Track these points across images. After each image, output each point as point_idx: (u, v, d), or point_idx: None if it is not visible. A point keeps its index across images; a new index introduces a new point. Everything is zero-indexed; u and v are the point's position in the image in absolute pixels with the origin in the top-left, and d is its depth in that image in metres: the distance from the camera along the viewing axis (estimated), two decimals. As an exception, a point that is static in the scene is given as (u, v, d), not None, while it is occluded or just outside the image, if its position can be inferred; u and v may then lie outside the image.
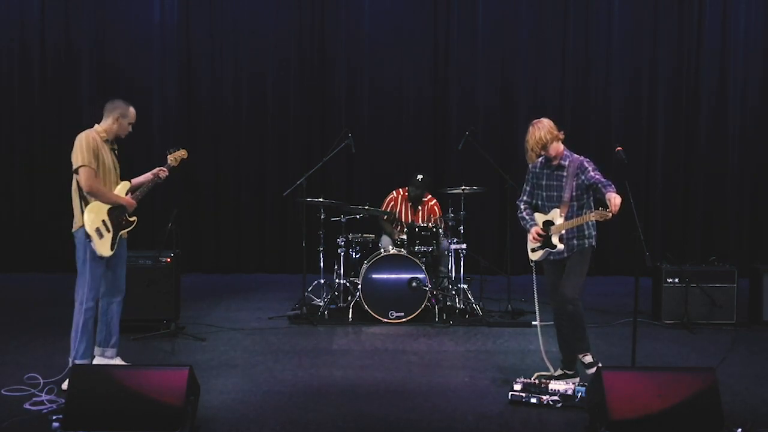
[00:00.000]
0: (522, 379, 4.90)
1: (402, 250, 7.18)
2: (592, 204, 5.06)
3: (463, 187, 7.47)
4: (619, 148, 5.00)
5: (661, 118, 9.87)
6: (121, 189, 5.23)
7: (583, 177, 4.99)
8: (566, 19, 9.81)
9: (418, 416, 4.64)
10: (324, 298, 7.44)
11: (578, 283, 5.04)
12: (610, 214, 4.71)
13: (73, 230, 5.08)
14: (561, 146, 5.09)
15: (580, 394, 4.70)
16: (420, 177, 7.58)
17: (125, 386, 4.12)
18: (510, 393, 4.84)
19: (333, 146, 7.71)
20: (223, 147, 9.82)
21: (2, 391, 4.91)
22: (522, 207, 5.29)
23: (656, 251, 8.76)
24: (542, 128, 5.02)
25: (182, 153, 5.61)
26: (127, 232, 5.26)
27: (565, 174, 5.04)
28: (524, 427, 4.50)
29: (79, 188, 5.00)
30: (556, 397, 4.74)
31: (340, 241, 7.49)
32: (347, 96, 9.84)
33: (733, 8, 9.74)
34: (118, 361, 5.37)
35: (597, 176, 4.96)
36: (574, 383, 4.84)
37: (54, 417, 4.18)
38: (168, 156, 5.54)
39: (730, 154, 9.86)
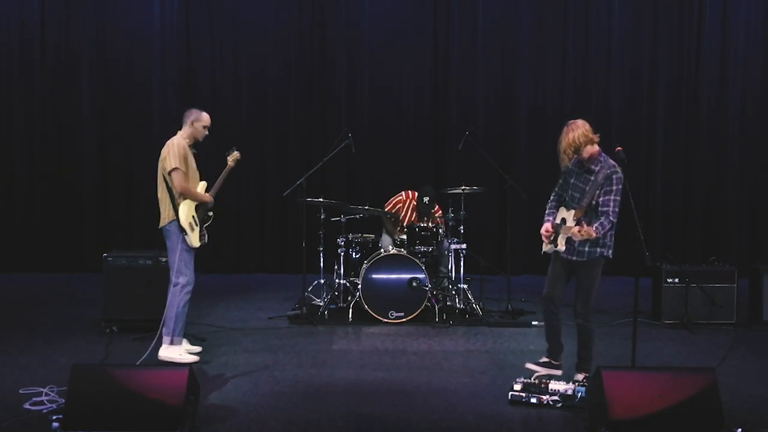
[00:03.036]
0: (522, 379, 4.90)
1: (402, 250, 7.17)
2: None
3: (463, 187, 7.46)
4: (619, 148, 4.94)
5: (661, 118, 9.88)
6: (201, 188, 5.87)
7: (603, 192, 4.90)
8: (566, 19, 9.82)
9: (418, 416, 4.64)
10: (324, 298, 7.44)
11: (589, 298, 5.05)
12: (570, 230, 4.78)
13: (162, 225, 5.63)
14: (596, 149, 4.96)
15: (580, 394, 4.70)
16: (426, 199, 7.37)
17: (125, 386, 4.12)
18: (510, 393, 4.84)
19: (333, 146, 7.71)
20: (222, 147, 9.78)
21: (2, 392, 4.90)
22: (551, 198, 5.28)
23: (656, 251, 8.77)
24: (576, 130, 4.89)
25: (237, 154, 6.19)
26: (207, 226, 5.83)
27: (592, 179, 4.95)
28: (524, 427, 4.50)
29: (169, 188, 5.57)
30: (556, 397, 4.75)
31: (340, 241, 7.48)
32: (347, 96, 9.84)
33: (733, 8, 9.75)
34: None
35: (607, 203, 4.85)
36: (574, 383, 4.84)
37: (54, 417, 4.18)
38: (228, 157, 6.15)
39: (730, 154, 9.87)
